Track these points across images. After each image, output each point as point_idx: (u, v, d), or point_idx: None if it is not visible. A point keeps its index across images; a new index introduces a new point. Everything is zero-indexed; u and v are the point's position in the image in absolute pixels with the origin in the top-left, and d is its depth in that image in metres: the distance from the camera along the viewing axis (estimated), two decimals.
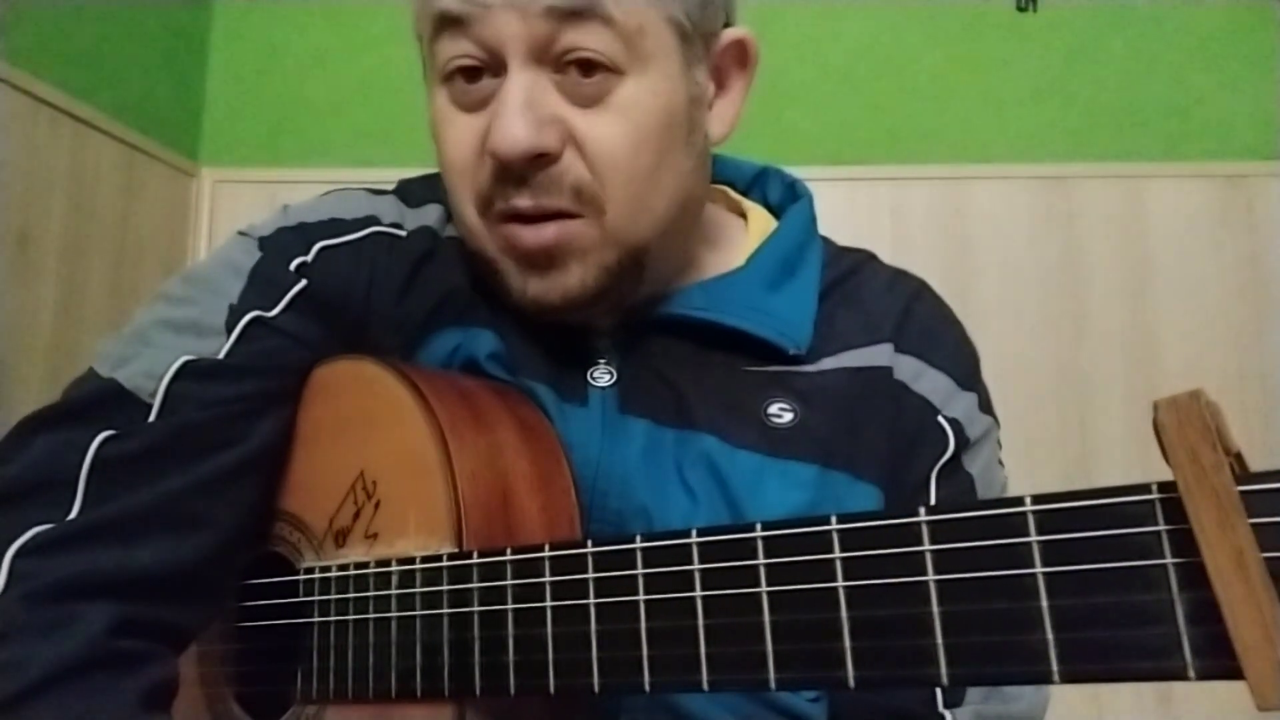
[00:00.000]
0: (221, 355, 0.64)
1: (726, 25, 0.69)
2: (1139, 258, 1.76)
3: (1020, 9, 1.86)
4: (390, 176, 0.81)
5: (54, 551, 0.55)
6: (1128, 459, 1.69)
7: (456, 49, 0.63)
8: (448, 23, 0.62)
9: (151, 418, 0.61)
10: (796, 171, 0.82)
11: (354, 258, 0.70)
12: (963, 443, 0.68)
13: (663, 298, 0.70)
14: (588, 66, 0.61)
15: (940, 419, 0.68)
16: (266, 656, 0.68)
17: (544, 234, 0.63)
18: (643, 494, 0.65)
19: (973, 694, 0.63)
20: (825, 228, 0.78)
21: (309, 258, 0.69)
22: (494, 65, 0.62)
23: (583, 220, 0.63)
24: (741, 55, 0.71)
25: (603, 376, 0.69)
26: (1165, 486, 0.37)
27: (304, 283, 0.68)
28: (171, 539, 0.59)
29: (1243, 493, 0.35)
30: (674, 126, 0.65)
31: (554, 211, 0.63)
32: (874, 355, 0.69)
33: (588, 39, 0.61)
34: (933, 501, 0.66)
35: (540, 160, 0.62)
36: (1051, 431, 1.72)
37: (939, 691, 0.62)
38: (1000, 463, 0.73)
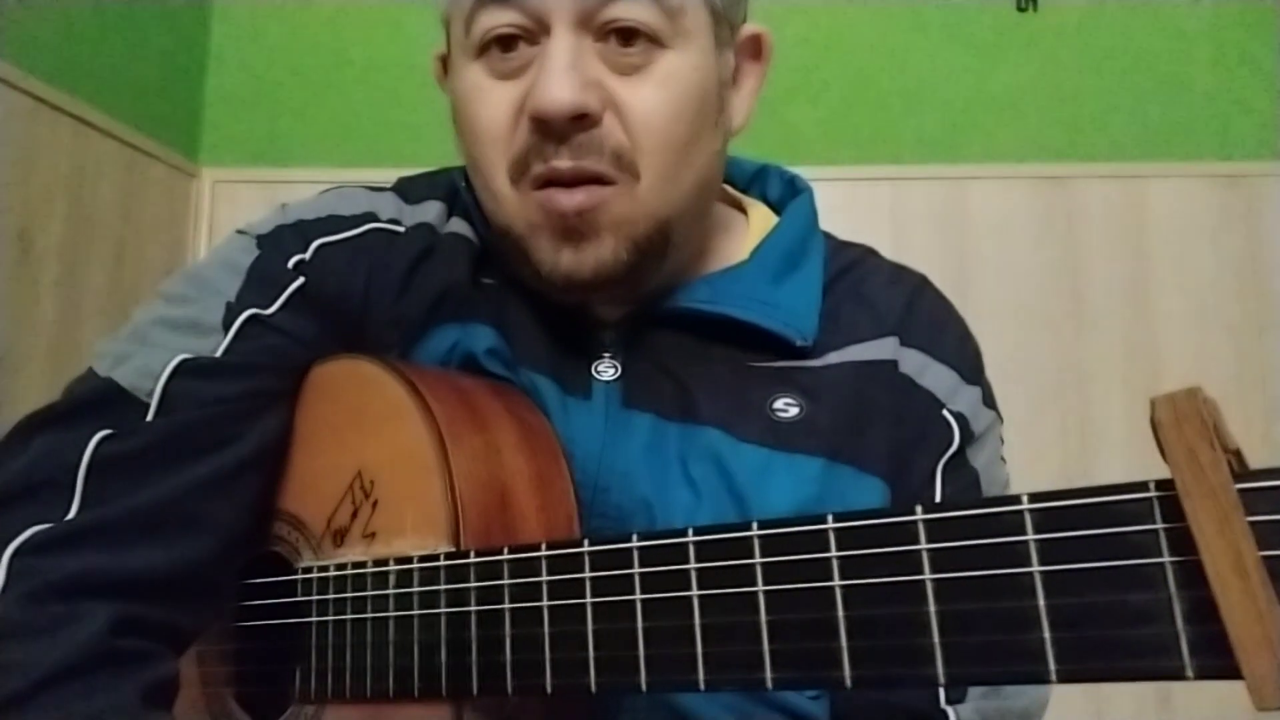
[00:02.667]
0: (219, 354, 0.64)
1: (744, 20, 0.70)
2: (1139, 258, 1.76)
3: (1020, 9, 1.86)
4: (391, 176, 0.81)
5: (52, 551, 0.55)
6: (1128, 459, 1.69)
7: (498, 19, 0.63)
8: (493, 1, 0.63)
9: (149, 417, 0.61)
10: (797, 170, 0.82)
11: (352, 255, 0.70)
12: (967, 436, 0.68)
13: (668, 291, 0.70)
14: (629, 35, 0.62)
15: (945, 412, 0.68)
16: (265, 656, 0.68)
17: (578, 196, 0.63)
18: (645, 488, 0.65)
19: (974, 690, 0.63)
20: (825, 228, 0.78)
21: (307, 255, 0.69)
22: (534, 33, 0.63)
23: (616, 187, 0.63)
24: (756, 50, 0.72)
25: (607, 370, 0.69)
26: (1163, 485, 0.37)
27: (302, 280, 0.68)
28: (170, 540, 0.59)
29: (1241, 490, 0.35)
30: (707, 103, 0.66)
31: (592, 175, 0.63)
32: (879, 349, 0.69)
33: (634, 10, 0.62)
34: (938, 495, 0.66)
35: (582, 121, 0.62)
36: (1051, 431, 1.72)
37: (941, 688, 0.62)
38: (1002, 459, 0.73)
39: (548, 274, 0.65)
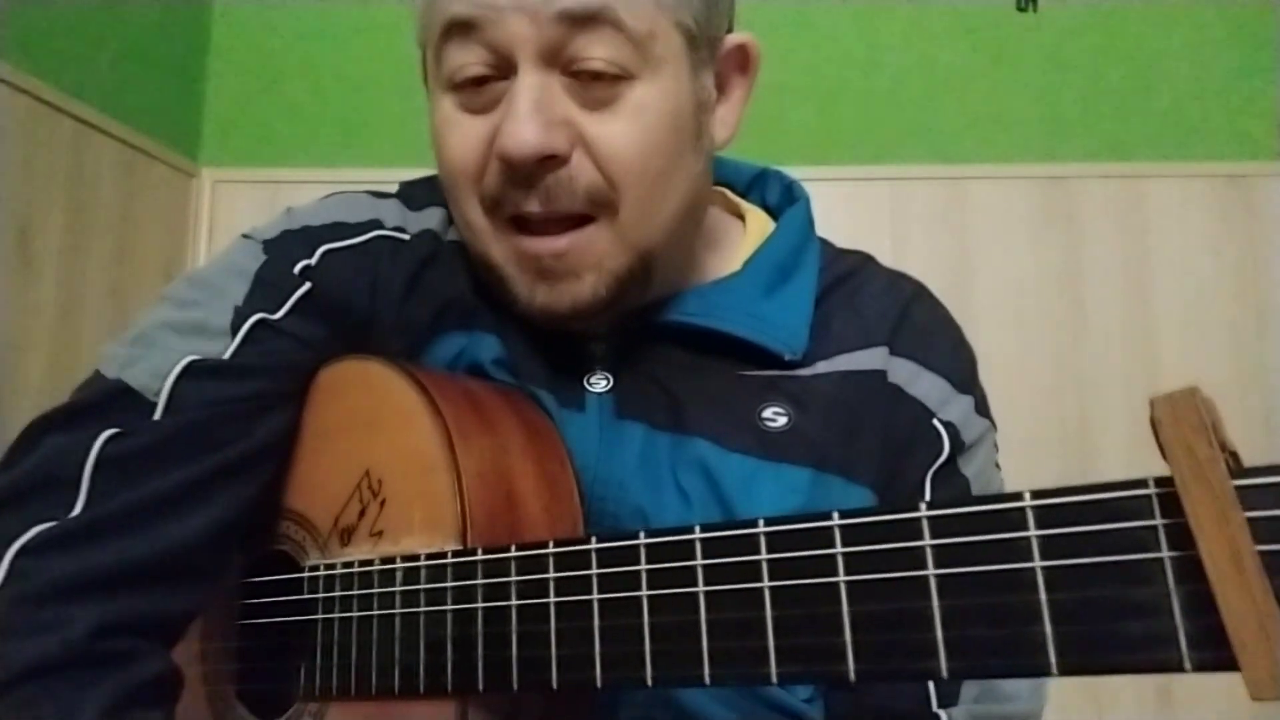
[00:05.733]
0: (226, 356, 0.64)
1: (728, 30, 0.70)
2: (1139, 258, 1.77)
3: (1020, 9, 1.87)
4: (391, 177, 0.81)
5: (53, 550, 0.55)
6: (1128, 458, 1.69)
7: (465, 56, 0.63)
8: (457, 28, 0.62)
9: (156, 416, 0.61)
10: (796, 172, 0.82)
11: (358, 261, 0.71)
12: (958, 446, 0.68)
13: (660, 304, 0.70)
14: (598, 72, 0.62)
15: (935, 422, 0.68)
16: (269, 654, 0.68)
17: (557, 244, 0.63)
18: (639, 497, 0.65)
19: (967, 694, 0.63)
20: (824, 228, 0.78)
21: (313, 261, 0.70)
22: (503, 69, 0.63)
23: (595, 225, 0.64)
24: (743, 60, 0.71)
25: (599, 382, 0.69)
26: (1162, 481, 0.38)
27: (308, 285, 0.69)
28: (165, 527, 0.59)
29: (1238, 487, 0.36)
30: (683, 129, 0.65)
31: (566, 216, 0.63)
32: (868, 359, 0.70)
33: (599, 45, 0.61)
34: None
35: (549, 163, 0.62)
36: (1051, 431, 1.72)
37: (933, 692, 0.62)
38: (997, 466, 0.73)
39: (524, 307, 0.66)
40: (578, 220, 0.64)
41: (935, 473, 0.67)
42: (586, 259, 0.64)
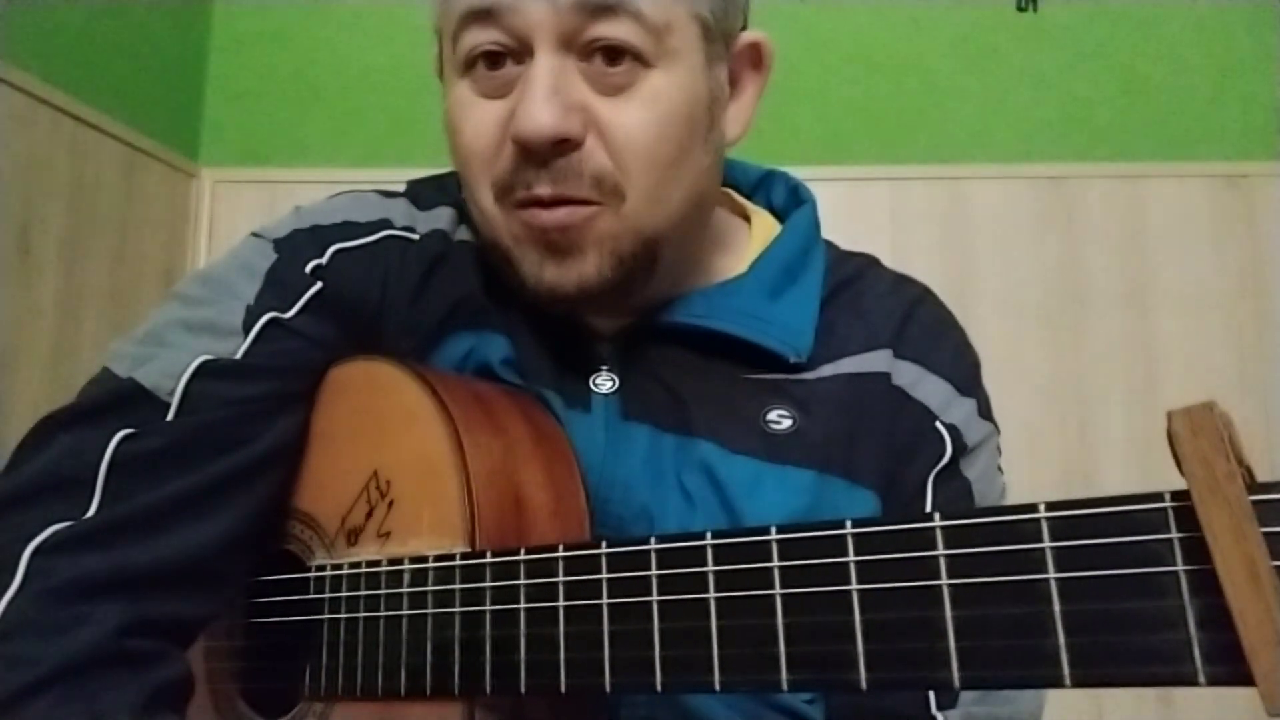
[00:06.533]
0: (239, 355, 0.64)
1: (743, 28, 0.70)
2: (1139, 258, 1.77)
3: (1020, 9, 1.87)
4: (391, 176, 0.81)
5: (71, 549, 0.55)
6: (1127, 459, 1.70)
7: (483, 36, 0.63)
8: (476, 16, 0.63)
9: (170, 416, 0.61)
10: (796, 171, 0.82)
11: (368, 261, 0.71)
12: (960, 449, 0.68)
13: (665, 304, 0.71)
14: (614, 55, 0.62)
15: (938, 425, 0.68)
16: (275, 653, 0.69)
17: (560, 214, 0.63)
18: (644, 499, 0.65)
19: (966, 696, 0.63)
20: (824, 228, 0.78)
21: (324, 260, 0.70)
22: (519, 51, 0.63)
23: (602, 207, 0.64)
24: (756, 58, 0.71)
25: (605, 383, 0.70)
26: (1177, 495, 0.38)
27: (319, 285, 0.69)
28: (184, 531, 0.59)
29: (1255, 502, 0.36)
30: (695, 121, 0.65)
31: (574, 199, 0.63)
32: (873, 361, 0.70)
33: (617, 32, 0.61)
34: (929, 506, 0.66)
35: (563, 145, 0.62)
36: (1051, 431, 1.73)
37: (933, 694, 0.62)
38: (1000, 469, 0.73)
39: (533, 287, 0.66)
40: (586, 204, 0.64)
41: (937, 475, 0.67)
42: (591, 235, 0.64)
